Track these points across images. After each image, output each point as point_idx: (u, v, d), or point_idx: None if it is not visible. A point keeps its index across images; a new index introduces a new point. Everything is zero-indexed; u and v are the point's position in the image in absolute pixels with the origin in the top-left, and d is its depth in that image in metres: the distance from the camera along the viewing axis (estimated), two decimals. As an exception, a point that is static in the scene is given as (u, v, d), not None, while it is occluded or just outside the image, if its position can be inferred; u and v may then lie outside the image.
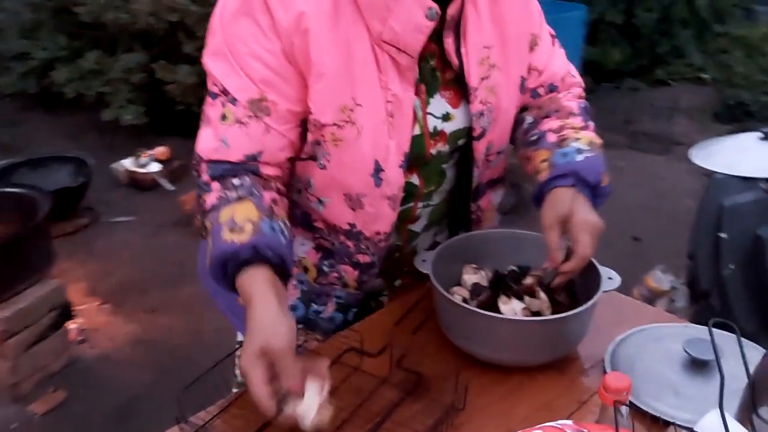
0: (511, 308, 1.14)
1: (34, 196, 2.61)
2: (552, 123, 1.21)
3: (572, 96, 1.28)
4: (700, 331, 1.15)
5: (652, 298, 2.58)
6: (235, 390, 1.16)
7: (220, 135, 1.07)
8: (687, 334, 1.12)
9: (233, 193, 1.03)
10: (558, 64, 1.29)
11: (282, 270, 1.00)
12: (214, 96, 1.07)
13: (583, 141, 1.16)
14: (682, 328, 1.17)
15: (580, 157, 1.14)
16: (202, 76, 1.50)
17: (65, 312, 2.55)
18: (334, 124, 1.06)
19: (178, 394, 0.99)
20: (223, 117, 1.06)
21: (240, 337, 1.40)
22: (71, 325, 2.67)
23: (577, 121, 1.22)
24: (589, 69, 5.18)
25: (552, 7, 4.85)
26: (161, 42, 4.07)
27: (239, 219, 1.00)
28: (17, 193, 2.67)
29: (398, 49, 1.04)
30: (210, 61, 1.08)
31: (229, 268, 0.98)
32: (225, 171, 1.06)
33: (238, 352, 1.36)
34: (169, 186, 3.82)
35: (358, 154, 1.08)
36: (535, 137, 1.21)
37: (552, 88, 1.28)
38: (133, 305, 2.90)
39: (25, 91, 4.53)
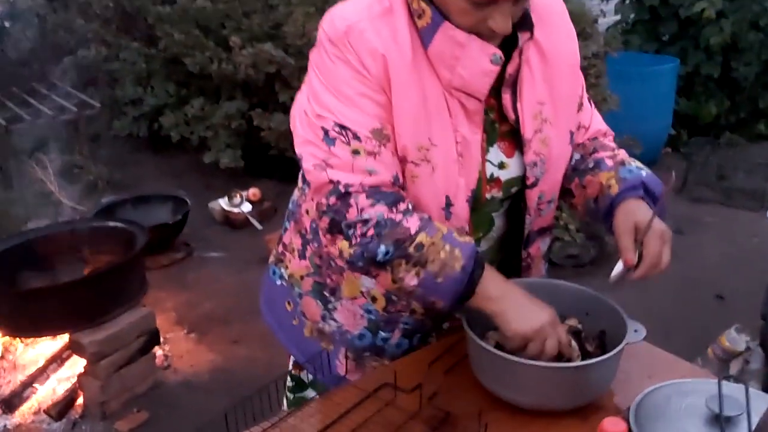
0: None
1: (133, 231, 2.85)
2: (604, 153, 1.31)
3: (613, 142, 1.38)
4: (728, 388, 1.16)
5: (726, 358, 2.51)
6: (285, 409, 1.28)
7: (362, 167, 1.12)
8: (713, 390, 1.13)
9: (426, 215, 1.15)
10: (598, 121, 1.39)
11: None
12: (332, 142, 1.12)
13: (639, 164, 1.27)
14: (711, 385, 1.18)
15: (644, 173, 1.24)
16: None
17: (153, 338, 2.74)
18: (413, 162, 1.16)
19: (226, 408, 1.10)
20: (356, 152, 1.12)
21: (290, 382, 1.52)
22: (158, 351, 2.87)
23: (625, 154, 1.32)
24: (684, 122, 5.09)
25: (643, 60, 4.86)
26: (259, 91, 4.33)
27: (455, 232, 1.15)
28: (118, 227, 2.93)
29: (467, 94, 1.14)
30: (318, 108, 1.14)
31: (476, 262, 1.12)
32: (394, 197, 1.12)
33: (289, 381, 1.48)
34: (258, 225, 4.02)
35: (432, 189, 1.18)
36: (591, 164, 1.30)
37: (595, 140, 1.38)
38: (216, 336, 3.08)
39: (137, 134, 4.90)
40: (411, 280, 1.12)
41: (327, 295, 1.34)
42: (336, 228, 1.14)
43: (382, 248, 1.11)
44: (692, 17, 4.87)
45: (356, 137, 1.12)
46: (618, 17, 5.44)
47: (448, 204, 1.19)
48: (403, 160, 1.16)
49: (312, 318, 1.38)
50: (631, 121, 4.23)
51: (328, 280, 1.33)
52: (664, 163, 4.87)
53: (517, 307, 1.14)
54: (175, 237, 3.80)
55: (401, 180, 1.17)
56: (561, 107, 1.26)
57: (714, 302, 3.29)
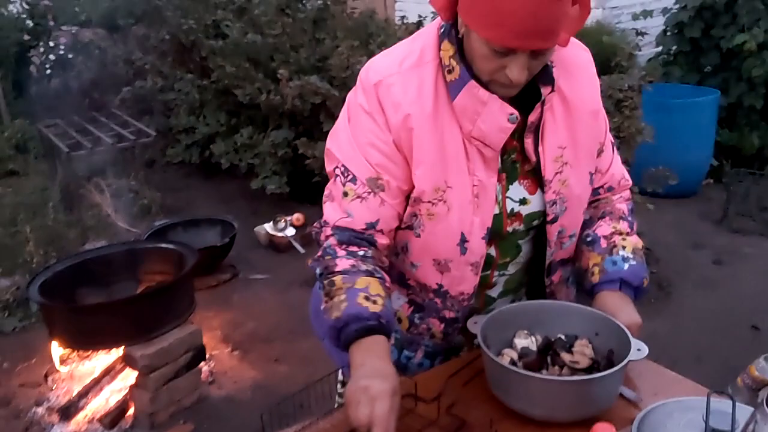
0: (554, 370, 1.31)
1: (184, 252, 3.02)
2: (605, 228, 1.43)
3: (623, 199, 1.50)
4: (727, 404, 1.23)
5: (755, 387, 2.52)
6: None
7: (344, 208, 1.31)
8: (714, 407, 1.21)
9: (364, 266, 1.28)
10: (616, 168, 1.49)
11: (388, 337, 1.27)
12: (335, 177, 1.32)
13: (628, 250, 1.38)
14: (713, 402, 1.26)
15: (625, 266, 1.37)
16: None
17: (200, 354, 2.89)
18: (429, 201, 1.30)
19: (263, 410, 1.23)
20: (345, 194, 1.30)
21: (341, 377, 1.64)
22: (204, 367, 3.02)
23: (624, 226, 1.43)
24: (726, 153, 5.08)
25: (684, 91, 4.88)
26: (305, 121, 4.51)
27: (373, 292, 1.25)
28: (170, 248, 3.10)
29: (484, 143, 1.27)
30: (335, 147, 1.33)
31: (354, 327, 1.22)
32: (350, 238, 1.31)
33: (339, 387, 1.59)
34: (301, 249, 4.17)
35: (447, 226, 1.31)
36: (590, 239, 1.43)
37: (609, 189, 1.49)
38: (258, 354, 3.21)
39: (189, 160, 5.14)
40: (322, 304, 1.30)
41: None
42: (317, 244, 1.38)
43: (318, 269, 1.33)
44: (734, 49, 4.89)
45: (353, 180, 1.30)
46: (659, 49, 5.49)
47: (463, 240, 1.32)
48: (419, 200, 1.30)
49: None
50: (672, 153, 4.28)
51: None
52: (705, 194, 4.87)
53: (361, 390, 1.15)
54: (222, 259, 3.98)
55: (381, 225, 1.31)
56: (581, 151, 1.37)
57: (749, 332, 3.30)
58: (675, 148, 4.39)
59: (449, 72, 1.26)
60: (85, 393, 2.84)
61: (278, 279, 3.89)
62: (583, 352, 1.34)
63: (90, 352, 2.96)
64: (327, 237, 1.32)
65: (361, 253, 1.30)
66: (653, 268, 3.75)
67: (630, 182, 1.52)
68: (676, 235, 4.28)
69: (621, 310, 1.34)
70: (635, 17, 5.57)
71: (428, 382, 1.36)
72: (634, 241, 1.42)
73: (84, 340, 2.78)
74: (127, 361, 2.76)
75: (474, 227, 1.31)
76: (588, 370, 1.29)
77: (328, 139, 1.38)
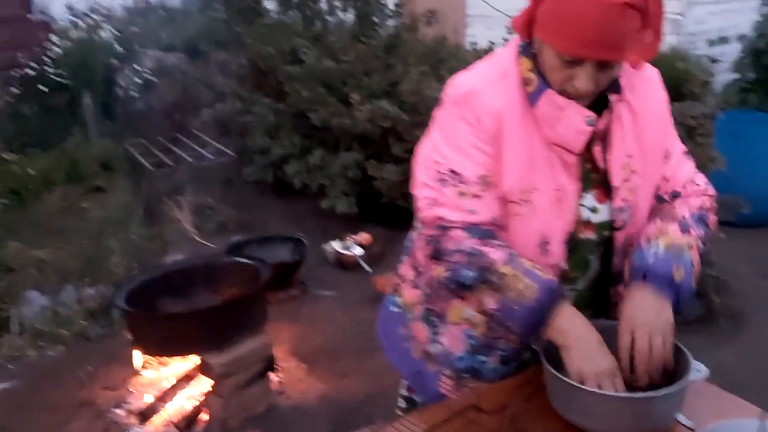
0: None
1: (258, 267, 3.16)
2: (650, 228, 1.42)
3: (693, 206, 1.46)
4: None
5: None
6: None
7: (465, 207, 1.35)
8: (771, 429, 1.23)
9: (509, 249, 1.34)
10: (683, 172, 1.50)
11: None
12: (444, 183, 1.36)
13: (662, 244, 1.36)
14: (771, 425, 1.28)
15: (651, 259, 1.35)
16: (405, 174, 1.82)
17: (270, 365, 3.01)
18: (515, 202, 1.38)
19: (329, 421, 1.32)
20: (461, 194, 1.36)
21: (404, 390, 1.72)
22: (274, 377, 3.14)
23: (674, 227, 1.39)
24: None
25: (761, 119, 4.77)
26: (375, 144, 4.62)
27: (539, 266, 1.33)
28: (246, 263, 3.25)
29: (564, 149, 1.35)
30: (436, 156, 1.38)
31: (549, 298, 1.30)
32: (486, 233, 1.34)
33: (402, 402, 1.67)
34: (367, 268, 4.27)
35: (530, 227, 1.38)
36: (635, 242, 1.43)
37: (675, 195, 1.49)
38: (325, 368, 3.31)
39: (263, 180, 5.34)
40: (492, 304, 1.33)
41: (434, 320, 1.56)
42: (436, 255, 1.37)
43: (469, 274, 1.33)
44: (813, 77, 4.78)
45: (464, 182, 1.36)
46: (736, 76, 5.40)
47: (545, 242, 1.39)
48: (506, 200, 1.37)
49: (420, 340, 1.59)
50: (746, 181, 4.19)
51: (436, 307, 1.54)
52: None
53: (583, 347, 1.29)
54: (292, 275, 4.11)
55: (500, 221, 1.38)
56: (649, 161, 1.43)
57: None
58: (749, 176, 4.30)
59: (527, 84, 1.35)
60: (163, 397, 2.99)
61: (345, 296, 4.00)
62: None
63: (168, 358, 3.12)
64: (460, 240, 1.33)
65: (504, 244, 1.35)
66: (724, 297, 3.69)
67: (702, 188, 1.50)
68: (749, 264, 4.19)
69: (638, 309, 1.32)
70: (711, 44, 5.50)
71: (492, 395, 1.42)
72: (676, 237, 1.36)
73: (163, 347, 2.94)
74: (203, 368, 2.90)
75: (556, 231, 1.38)
76: (647, 388, 1.33)
77: (418, 158, 1.44)
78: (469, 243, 1.33)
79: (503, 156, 1.36)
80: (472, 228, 1.34)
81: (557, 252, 1.40)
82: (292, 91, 4.88)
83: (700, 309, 3.68)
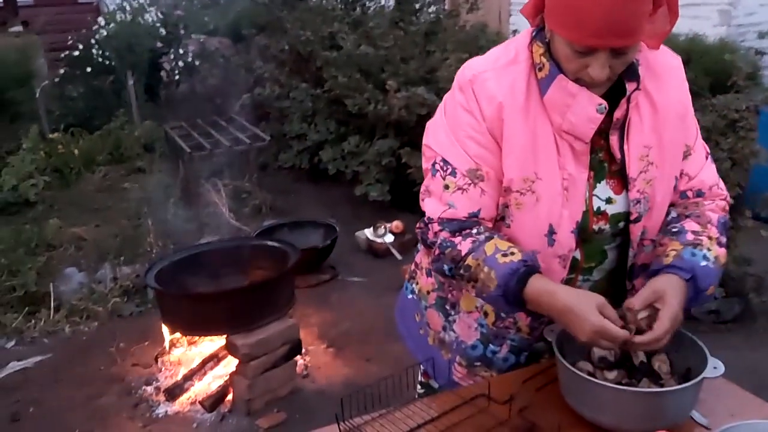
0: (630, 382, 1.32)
1: (287, 250, 3.18)
2: (694, 225, 1.39)
3: (716, 207, 1.45)
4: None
5: None
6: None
7: (446, 200, 1.36)
8: (789, 431, 1.19)
9: (481, 236, 1.34)
10: (708, 175, 1.47)
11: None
12: (435, 172, 1.37)
13: (712, 253, 1.34)
14: (790, 427, 1.24)
15: (703, 263, 1.32)
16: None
17: (296, 348, 3.03)
18: (518, 191, 1.35)
19: (343, 397, 1.33)
20: (446, 187, 1.36)
21: (420, 377, 1.72)
22: (299, 360, 3.17)
23: (714, 232, 1.38)
24: None
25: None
26: (410, 131, 4.60)
27: (503, 248, 1.31)
28: (274, 246, 3.28)
29: (574, 137, 1.32)
30: (433, 141, 1.39)
31: (515, 281, 1.28)
32: (459, 226, 1.35)
33: (419, 388, 1.67)
34: (398, 255, 4.28)
35: (535, 217, 1.35)
36: (676, 230, 1.39)
37: (699, 194, 1.46)
38: (351, 352, 3.33)
39: (299, 165, 5.37)
40: (471, 291, 1.36)
41: (448, 308, 1.55)
42: (424, 245, 1.43)
43: (445, 266, 1.37)
44: None
45: (453, 173, 1.35)
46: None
47: (551, 231, 1.35)
48: (508, 190, 1.35)
49: (435, 328, 1.59)
50: (791, 178, 4.06)
51: (450, 295, 1.54)
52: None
53: (566, 321, 1.26)
54: (323, 260, 4.14)
55: (485, 214, 1.36)
56: (667, 153, 1.38)
57: None
58: (795, 173, 4.16)
59: (540, 69, 1.32)
60: (190, 376, 3.04)
61: (375, 283, 4.01)
62: (659, 368, 1.35)
63: (197, 338, 3.17)
64: (437, 233, 1.36)
65: (474, 230, 1.35)
66: (764, 296, 3.58)
67: (725, 194, 1.48)
68: (791, 264, 4.06)
69: (675, 298, 1.27)
70: (762, 36, 5.33)
71: (502, 384, 1.41)
72: (721, 252, 1.36)
73: (191, 326, 2.98)
74: (230, 348, 2.94)
75: (563, 220, 1.34)
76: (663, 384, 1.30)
77: (424, 136, 1.44)
78: (442, 236, 1.36)
79: (504, 146, 1.33)
80: (446, 222, 1.36)
81: (565, 242, 1.36)
82: (330, 76, 4.89)
83: (738, 308, 3.58)
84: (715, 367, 1.26)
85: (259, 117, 5.76)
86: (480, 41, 5.05)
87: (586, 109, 1.29)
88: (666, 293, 1.28)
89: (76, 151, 5.89)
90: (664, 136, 1.37)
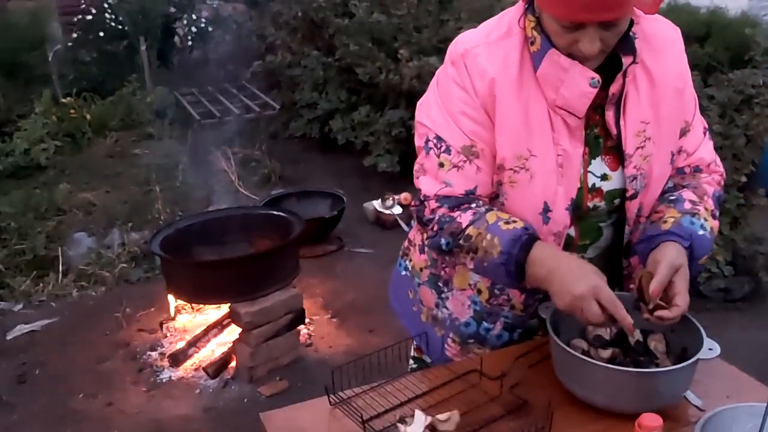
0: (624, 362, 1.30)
1: (291, 220, 3.17)
2: (691, 195, 1.37)
3: (712, 180, 1.42)
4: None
5: None
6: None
7: (442, 179, 1.34)
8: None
9: (482, 208, 1.32)
10: (706, 152, 1.44)
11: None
12: (428, 150, 1.35)
13: (708, 224, 1.32)
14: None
15: (701, 232, 1.30)
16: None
17: (299, 317, 3.03)
18: (511, 169, 1.32)
19: (333, 369, 1.32)
20: (441, 165, 1.33)
21: (413, 352, 1.71)
22: (303, 330, 3.17)
23: (710, 204, 1.37)
24: None
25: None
26: (421, 101, 4.57)
27: (504, 217, 1.30)
28: (279, 216, 3.27)
29: (568, 112, 1.28)
30: (426, 118, 1.37)
31: (516, 249, 1.26)
32: (457, 201, 1.34)
33: (412, 363, 1.67)
34: (405, 227, 4.25)
35: (530, 194, 1.32)
36: (673, 198, 1.37)
37: (697, 170, 1.43)
38: (355, 323, 3.33)
39: (309, 135, 5.34)
40: (469, 264, 1.33)
41: (441, 285, 1.53)
42: (420, 223, 1.40)
43: (443, 240, 1.35)
44: None
45: (447, 150, 1.32)
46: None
47: (546, 209, 1.32)
48: (502, 167, 1.32)
49: (428, 305, 1.57)
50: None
51: (443, 273, 1.52)
52: None
53: (556, 281, 1.23)
54: (330, 231, 4.13)
55: (481, 191, 1.34)
56: (664, 128, 1.34)
57: None
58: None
59: (532, 44, 1.28)
60: (194, 343, 3.06)
61: (381, 254, 3.99)
62: (655, 347, 1.33)
63: (201, 305, 3.19)
64: (434, 210, 1.35)
65: (473, 204, 1.33)
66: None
67: (721, 170, 1.46)
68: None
69: (685, 267, 1.25)
70: (785, 9, 5.19)
71: (495, 361, 1.39)
72: (715, 224, 1.35)
73: (195, 294, 2.99)
74: (233, 316, 2.95)
75: (558, 197, 1.31)
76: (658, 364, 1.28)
77: (417, 113, 1.41)
78: (440, 212, 1.34)
79: (496, 122, 1.30)
80: (443, 198, 1.34)
81: (560, 219, 1.33)
82: (341, 44, 4.84)
83: (748, 287, 3.54)
84: (710, 349, 1.23)
85: (270, 85, 5.73)
86: (495, 10, 4.94)
87: (578, 84, 1.24)
88: (683, 265, 1.26)
89: (88, 116, 5.90)
90: (661, 110, 1.33)
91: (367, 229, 4.35)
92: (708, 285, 3.48)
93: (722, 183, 1.45)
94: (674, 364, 1.28)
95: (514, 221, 1.29)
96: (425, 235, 1.42)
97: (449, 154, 1.33)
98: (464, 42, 1.33)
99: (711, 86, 3.40)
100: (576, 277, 1.22)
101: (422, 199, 1.37)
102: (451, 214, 1.33)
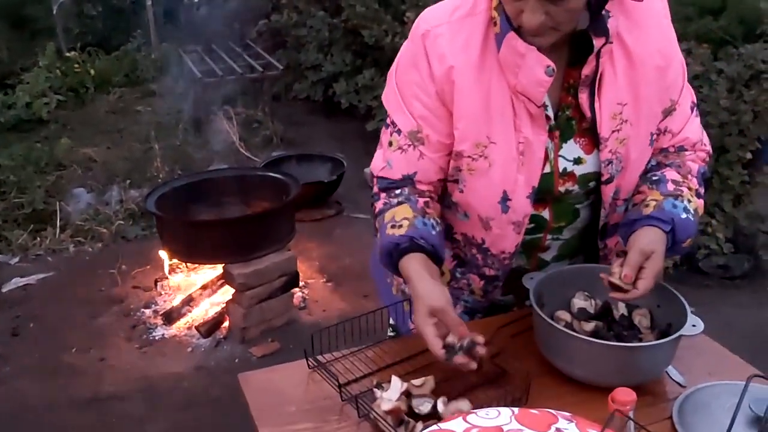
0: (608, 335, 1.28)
1: (288, 183, 3.15)
2: (674, 175, 1.32)
3: (696, 157, 1.38)
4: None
5: None
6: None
7: (387, 157, 1.35)
8: (765, 393, 1.15)
9: (395, 200, 1.32)
10: (692, 130, 1.38)
11: (434, 255, 1.29)
12: (387, 126, 1.36)
13: (692, 205, 1.28)
14: (764, 388, 1.19)
15: (684, 215, 1.26)
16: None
17: (293, 280, 3.04)
18: (470, 156, 1.28)
19: (312, 333, 1.31)
20: (390, 143, 1.34)
21: (391, 320, 1.70)
22: (297, 293, 3.17)
23: (694, 183, 1.32)
24: None
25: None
26: (427, 66, 4.50)
27: (398, 218, 1.29)
28: (276, 178, 3.25)
29: (528, 98, 1.23)
30: (385, 98, 1.37)
31: (393, 256, 1.27)
32: (389, 184, 1.35)
33: (390, 331, 1.66)
34: (406, 194, 4.23)
35: (488, 183, 1.29)
36: (656, 178, 1.32)
37: (681, 149, 1.38)
38: (349, 288, 3.32)
39: (313, 97, 5.28)
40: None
41: None
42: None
43: (372, 214, 1.40)
44: None
45: (398, 131, 1.33)
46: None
47: (505, 198, 1.29)
48: (459, 155, 1.29)
49: (398, 279, 1.56)
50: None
51: None
52: None
53: (414, 298, 1.24)
54: (329, 195, 4.10)
55: (417, 177, 1.33)
56: (644, 109, 1.28)
57: None
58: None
59: (495, 25, 1.22)
60: (188, 302, 3.07)
61: (380, 220, 3.97)
62: (639, 322, 1.31)
63: (194, 264, 3.18)
64: (372, 186, 1.39)
65: (398, 191, 1.33)
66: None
67: (708, 148, 1.41)
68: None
69: (659, 254, 1.23)
70: (803, -17, 5.06)
71: (477, 330, 1.35)
72: (699, 203, 1.31)
73: (189, 253, 3.00)
74: (226, 277, 2.95)
75: (517, 185, 1.27)
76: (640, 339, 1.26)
77: (384, 92, 1.39)
78: (375, 189, 1.38)
79: (454, 109, 1.26)
80: (380, 179, 1.37)
81: (520, 208, 1.29)
82: (348, 5, 4.75)
83: (747, 265, 3.51)
84: (693, 325, 1.21)
85: (275, 44, 5.64)
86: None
87: (534, 71, 1.18)
88: (654, 252, 1.22)
89: (91, 71, 5.85)
90: (641, 90, 1.25)
91: (367, 194, 4.24)
92: (707, 262, 3.45)
93: (707, 159, 1.40)
94: (657, 340, 1.26)
95: (401, 226, 1.27)
96: None
97: (399, 135, 1.33)
98: (426, 21, 1.27)
99: (721, 60, 3.33)
100: (420, 302, 1.22)
101: (371, 173, 1.41)
102: (379, 194, 1.36)
